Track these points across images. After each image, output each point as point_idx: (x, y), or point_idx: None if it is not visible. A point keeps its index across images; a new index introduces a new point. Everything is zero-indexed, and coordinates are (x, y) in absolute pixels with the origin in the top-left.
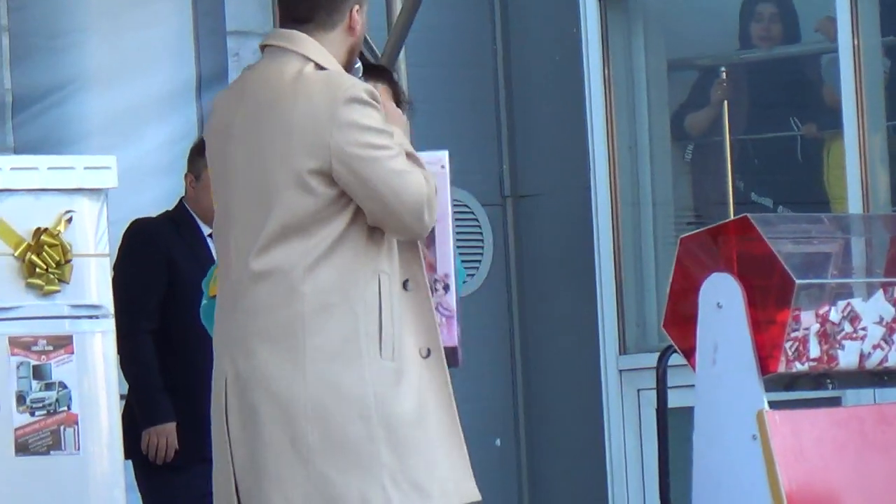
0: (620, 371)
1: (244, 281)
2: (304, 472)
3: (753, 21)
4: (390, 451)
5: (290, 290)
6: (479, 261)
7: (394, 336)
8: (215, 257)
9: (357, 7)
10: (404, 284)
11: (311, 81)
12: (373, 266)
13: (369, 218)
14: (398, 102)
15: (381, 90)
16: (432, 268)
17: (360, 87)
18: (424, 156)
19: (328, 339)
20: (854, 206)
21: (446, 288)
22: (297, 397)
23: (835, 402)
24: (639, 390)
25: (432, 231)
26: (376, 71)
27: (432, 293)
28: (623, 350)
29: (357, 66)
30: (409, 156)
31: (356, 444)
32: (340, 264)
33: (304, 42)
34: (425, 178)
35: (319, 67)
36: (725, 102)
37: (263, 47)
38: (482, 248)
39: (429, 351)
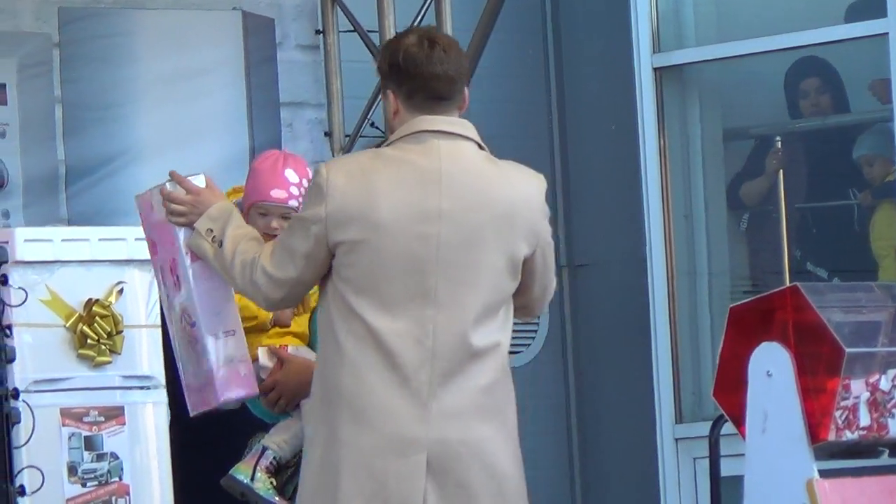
0: (676, 440)
1: (458, 357)
2: None
3: (800, 98)
4: None
5: (502, 368)
6: (536, 330)
7: None
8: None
9: (466, 87)
10: None
11: (506, 168)
12: None
13: (524, 300)
14: None
15: None
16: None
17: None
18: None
19: (513, 408)
20: None
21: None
22: (509, 471)
23: (890, 469)
24: (695, 459)
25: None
26: None
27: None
28: (679, 419)
29: None
30: None
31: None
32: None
33: (471, 128)
34: None
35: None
36: (780, 171)
37: (421, 132)
38: (538, 317)
39: None
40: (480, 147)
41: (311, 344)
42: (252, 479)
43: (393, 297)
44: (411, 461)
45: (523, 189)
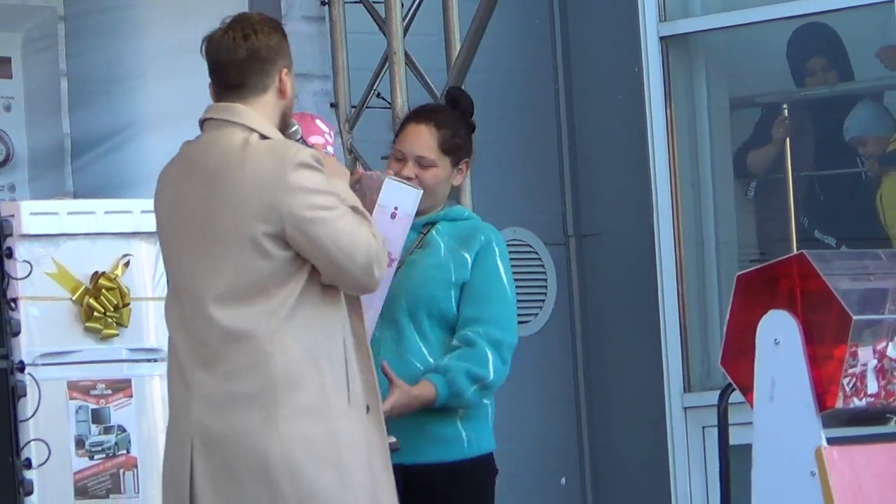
0: (685, 409)
1: (213, 343)
2: None
3: (807, 76)
4: (355, 497)
5: (258, 351)
6: (543, 300)
7: (355, 389)
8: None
9: (286, 70)
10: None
11: (258, 149)
12: (334, 321)
13: (323, 276)
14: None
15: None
16: None
17: (306, 152)
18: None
19: (298, 396)
20: None
21: None
22: (272, 454)
23: None
24: (704, 428)
25: None
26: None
27: None
28: (688, 388)
29: (294, 128)
30: (356, 210)
31: (330, 492)
32: (303, 323)
33: (244, 113)
34: (373, 234)
35: (263, 136)
36: (788, 139)
37: (203, 122)
38: (546, 287)
39: (368, 407)
40: (261, 135)
41: None
42: None
43: (171, 283)
44: (182, 448)
45: (260, 169)
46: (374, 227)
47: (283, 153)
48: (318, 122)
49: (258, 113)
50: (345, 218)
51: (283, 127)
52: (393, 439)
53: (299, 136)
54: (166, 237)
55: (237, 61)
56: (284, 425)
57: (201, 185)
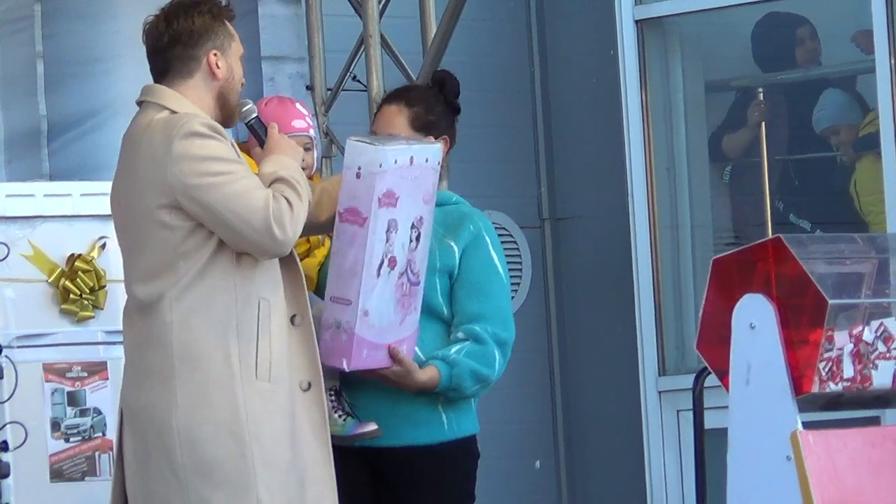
0: (660, 392)
1: (133, 317)
2: (184, 494)
3: (797, 46)
4: (264, 467)
5: (160, 323)
6: (518, 283)
7: (271, 361)
8: None
9: (215, 52)
10: (292, 319)
11: (154, 125)
12: (247, 291)
13: (229, 244)
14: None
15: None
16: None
17: (196, 121)
18: (424, 144)
19: (198, 365)
20: (893, 225)
21: (415, 282)
22: (170, 424)
23: (874, 421)
24: (678, 411)
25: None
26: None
27: (406, 283)
28: (662, 371)
29: (248, 106)
30: (282, 180)
31: (227, 461)
32: (208, 292)
33: (161, 93)
34: (273, 196)
35: (173, 114)
36: (763, 123)
37: (139, 104)
38: (521, 270)
39: (309, 384)
40: (172, 112)
41: (317, 290)
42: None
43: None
44: (118, 416)
45: (156, 141)
46: (299, 196)
47: (173, 124)
48: (297, 105)
49: (185, 97)
50: (238, 182)
51: (226, 108)
52: (374, 426)
53: (254, 115)
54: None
55: (160, 48)
56: (183, 396)
57: (119, 169)
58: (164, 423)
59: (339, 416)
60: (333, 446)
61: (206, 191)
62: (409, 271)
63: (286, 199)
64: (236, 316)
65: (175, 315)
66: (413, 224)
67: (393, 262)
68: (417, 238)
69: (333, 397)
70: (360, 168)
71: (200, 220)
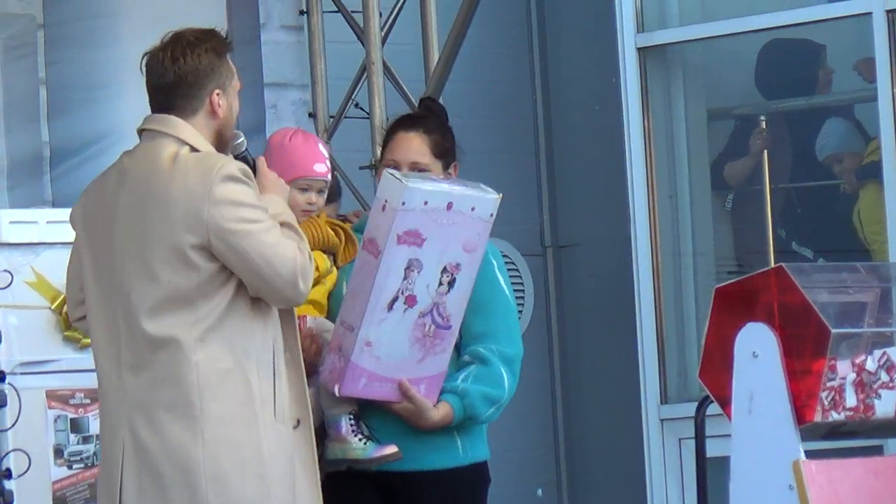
0: (662, 420)
1: (142, 351)
2: None
3: (819, 68)
4: None
5: (182, 360)
6: (520, 310)
7: (284, 401)
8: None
9: (217, 91)
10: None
11: (186, 161)
12: (262, 334)
13: (249, 289)
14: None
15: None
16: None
17: (232, 165)
18: (475, 193)
19: (224, 405)
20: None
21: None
22: (196, 461)
23: (877, 450)
24: (680, 440)
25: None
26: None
27: (430, 325)
28: (664, 399)
29: (239, 140)
30: (286, 225)
31: (251, 502)
32: (230, 334)
33: (175, 125)
34: (299, 249)
35: (194, 149)
36: (765, 151)
37: (141, 132)
38: (523, 297)
39: (298, 422)
40: (192, 147)
41: (329, 316)
42: (346, 450)
43: (100, 289)
44: (113, 452)
45: (192, 180)
46: (304, 242)
47: (210, 165)
48: (320, 146)
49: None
50: (271, 231)
51: (221, 143)
52: (395, 449)
53: (244, 149)
54: (99, 247)
55: (164, 86)
56: (209, 432)
57: (135, 196)
58: (190, 460)
59: (360, 440)
60: (348, 470)
61: (242, 237)
62: (434, 313)
63: (307, 252)
64: (255, 356)
65: (201, 355)
66: (446, 268)
67: (412, 301)
68: (450, 283)
69: (353, 422)
70: (386, 201)
71: (228, 264)
